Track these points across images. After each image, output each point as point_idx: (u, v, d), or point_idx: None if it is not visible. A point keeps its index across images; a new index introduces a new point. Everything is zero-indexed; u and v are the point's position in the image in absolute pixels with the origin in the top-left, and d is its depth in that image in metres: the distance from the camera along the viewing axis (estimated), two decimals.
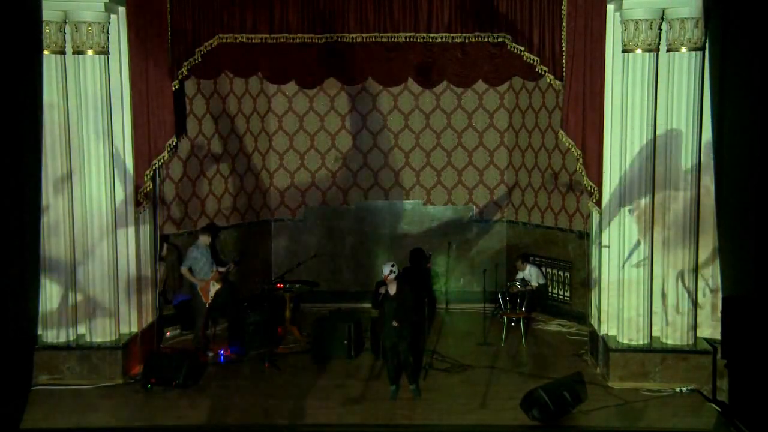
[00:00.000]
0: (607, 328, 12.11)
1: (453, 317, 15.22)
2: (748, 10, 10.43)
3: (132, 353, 12.26)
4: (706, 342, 11.83)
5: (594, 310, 12.52)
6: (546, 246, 15.42)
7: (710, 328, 11.94)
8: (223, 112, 15.33)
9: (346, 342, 12.86)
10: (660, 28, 11.50)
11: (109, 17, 11.91)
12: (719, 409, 10.99)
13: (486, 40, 12.40)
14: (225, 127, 15.38)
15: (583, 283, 13.65)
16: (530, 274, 14.83)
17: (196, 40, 12.29)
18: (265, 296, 13.97)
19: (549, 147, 15.16)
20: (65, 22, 11.74)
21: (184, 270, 13.15)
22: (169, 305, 14.08)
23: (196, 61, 12.37)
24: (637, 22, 11.41)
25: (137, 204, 12.38)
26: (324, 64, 14.27)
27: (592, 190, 12.00)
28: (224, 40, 12.40)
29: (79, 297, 12.10)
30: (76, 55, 11.81)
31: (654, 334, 11.89)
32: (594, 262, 12.50)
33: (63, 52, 11.80)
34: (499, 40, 12.32)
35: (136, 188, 12.33)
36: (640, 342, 11.77)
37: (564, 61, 11.97)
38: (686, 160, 11.53)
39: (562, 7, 11.91)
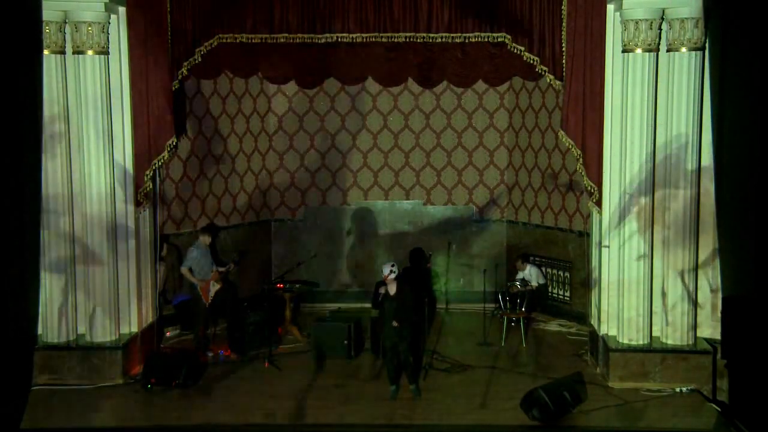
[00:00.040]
0: (607, 328, 12.11)
1: (453, 317, 15.23)
2: (748, 10, 10.43)
3: (132, 353, 12.26)
4: (706, 342, 11.83)
5: (594, 310, 12.52)
6: (546, 246, 15.42)
7: (710, 328, 11.94)
8: (223, 112, 15.33)
9: (346, 342, 12.86)
10: (660, 28, 11.50)
11: (109, 17, 11.91)
12: (719, 409, 10.99)
13: (486, 40, 12.41)
14: (225, 127, 15.38)
15: (583, 283, 13.65)
16: (530, 274, 14.83)
17: (196, 40, 12.30)
18: (265, 296, 13.97)
19: (549, 147, 15.16)
20: (65, 22, 11.74)
21: (184, 270, 13.15)
22: (169, 305, 14.08)
23: (196, 61, 12.38)
24: (637, 22, 11.41)
25: (137, 204, 12.38)
26: (324, 64, 14.27)
27: (592, 190, 12.00)
28: (224, 40, 12.41)
29: (79, 297, 12.11)
30: (76, 55, 11.81)
31: (654, 334, 11.89)
32: (594, 262, 12.50)
33: (63, 52, 11.80)
34: (499, 40, 12.32)
35: (136, 188, 12.33)
36: (640, 342, 11.77)
37: (564, 61, 11.98)
38: (686, 160, 11.52)
39: (562, 7, 11.92)
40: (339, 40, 12.50)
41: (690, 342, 11.73)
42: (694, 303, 11.77)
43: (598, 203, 12.05)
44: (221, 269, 13.30)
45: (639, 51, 11.48)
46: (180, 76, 12.34)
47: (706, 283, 11.92)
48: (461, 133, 16.36)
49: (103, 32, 11.84)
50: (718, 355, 11.50)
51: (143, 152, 12.28)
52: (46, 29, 11.55)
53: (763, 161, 10.32)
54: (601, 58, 11.76)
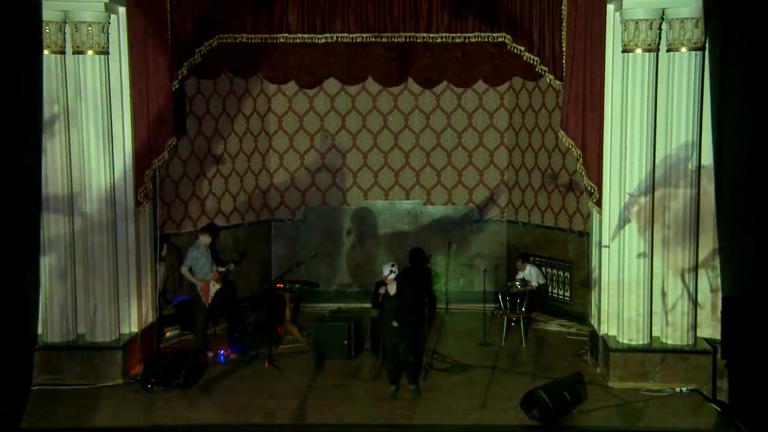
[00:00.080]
0: (607, 328, 12.10)
1: (453, 317, 15.22)
2: (748, 10, 10.42)
3: (132, 353, 12.26)
4: (706, 342, 11.83)
5: (594, 310, 12.52)
6: (546, 246, 15.42)
7: (710, 328, 11.94)
8: (223, 112, 15.33)
9: (346, 342, 12.86)
10: (660, 28, 11.50)
11: (109, 17, 11.91)
12: (719, 409, 10.99)
13: (486, 40, 12.40)
14: (225, 127, 15.38)
15: (583, 283, 13.65)
16: (530, 274, 14.83)
17: (196, 40, 12.29)
18: (265, 296, 13.97)
19: (549, 147, 15.16)
20: (65, 22, 11.74)
21: (184, 270, 13.15)
22: (169, 305, 14.08)
23: (196, 61, 12.37)
24: (637, 22, 11.41)
25: (137, 204, 12.38)
26: (324, 64, 14.27)
27: (592, 190, 12.00)
28: (224, 40, 12.40)
29: (79, 297, 12.11)
30: (76, 55, 11.81)
31: (654, 334, 11.88)
32: (594, 262, 12.50)
33: (63, 52, 11.80)
34: (499, 40, 12.32)
35: (136, 188, 12.32)
36: (640, 342, 11.77)
37: (564, 61, 11.98)
38: (686, 159, 11.52)
39: (562, 7, 11.92)
40: (339, 40, 12.50)
41: (690, 342, 11.73)
42: (694, 303, 11.77)
43: (598, 203, 12.05)
44: (221, 269, 13.30)
45: (639, 51, 11.48)
46: (180, 76, 12.34)
47: (706, 283, 11.92)
48: (461, 133, 16.37)
49: (103, 32, 11.84)
50: (718, 355, 11.50)
51: (143, 152, 12.27)
52: (46, 29, 11.55)
53: (763, 161, 10.32)
54: (601, 58, 11.76)
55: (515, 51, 12.27)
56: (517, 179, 16.07)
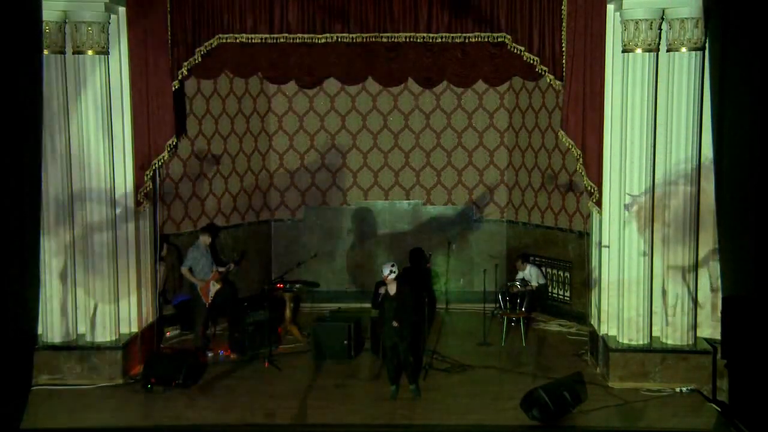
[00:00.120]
0: (607, 328, 12.10)
1: (453, 317, 15.22)
2: (748, 10, 10.43)
3: (132, 353, 12.26)
4: (706, 342, 11.83)
5: (594, 310, 12.52)
6: (546, 246, 15.42)
7: (710, 328, 11.94)
8: (223, 112, 15.33)
9: (346, 342, 12.86)
10: (660, 28, 11.50)
11: (109, 17, 11.91)
12: (719, 409, 10.99)
13: (486, 40, 12.39)
14: (225, 127, 15.38)
15: (583, 283, 13.65)
16: (530, 274, 14.82)
17: (196, 40, 12.28)
18: (265, 296, 13.97)
19: (549, 147, 15.16)
20: (65, 22, 11.74)
21: (184, 270, 13.15)
22: (169, 305, 14.08)
23: (196, 61, 12.37)
24: (637, 22, 11.41)
25: (137, 204, 12.38)
26: (324, 64, 14.27)
27: (592, 190, 12.00)
28: (224, 40, 12.40)
29: (79, 297, 12.11)
30: (76, 55, 11.81)
31: (654, 334, 11.88)
32: (594, 262, 12.50)
33: (63, 52, 11.80)
34: (499, 40, 12.31)
35: (136, 188, 12.33)
36: (640, 342, 11.77)
37: (564, 61, 11.97)
38: (686, 159, 11.52)
39: (562, 7, 11.91)
40: (339, 40, 12.49)
41: (690, 342, 11.73)
42: (695, 303, 11.77)
43: (598, 203, 12.05)
44: (221, 269, 13.30)
45: (639, 51, 11.48)
46: (180, 76, 12.33)
47: (706, 283, 11.92)
48: (461, 133, 16.37)
49: (103, 32, 11.84)
50: (718, 355, 11.50)
51: (143, 152, 12.27)
52: (46, 29, 11.54)
53: (763, 161, 10.33)
54: (601, 58, 11.76)
55: (515, 51, 12.26)
56: (517, 179, 16.07)
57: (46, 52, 11.59)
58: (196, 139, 14.87)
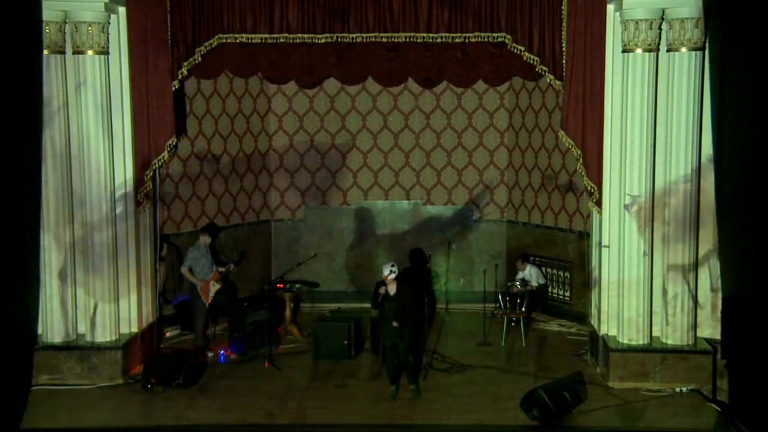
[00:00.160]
0: (607, 328, 12.10)
1: (453, 317, 15.22)
2: (748, 10, 10.43)
3: (132, 353, 12.26)
4: (706, 342, 11.83)
5: (594, 310, 12.52)
6: (546, 246, 15.42)
7: (710, 328, 11.95)
8: (223, 112, 15.33)
9: (346, 342, 12.86)
10: (660, 28, 11.50)
11: (109, 17, 11.91)
12: (719, 409, 10.99)
13: (486, 40, 12.39)
14: (225, 127, 15.38)
15: (583, 283, 13.65)
16: (530, 274, 14.82)
17: (196, 40, 12.28)
18: (265, 296, 13.98)
19: (549, 147, 15.16)
20: (65, 22, 11.74)
21: (184, 270, 13.16)
22: (169, 305, 14.08)
23: (196, 61, 12.36)
24: (637, 22, 11.41)
25: (137, 204, 12.39)
26: (324, 64, 14.27)
27: (592, 190, 12.00)
28: (224, 40, 12.40)
29: (79, 297, 12.11)
30: (76, 55, 11.81)
31: (654, 334, 11.88)
32: (594, 262, 12.50)
33: (63, 52, 11.80)
34: (499, 40, 12.31)
35: (136, 188, 12.33)
36: (640, 342, 11.76)
37: (564, 61, 11.97)
38: (686, 160, 11.52)
39: (562, 7, 11.91)
40: (339, 40, 12.49)
41: (690, 342, 11.73)
42: (695, 302, 11.77)
43: (598, 203, 12.05)
44: (221, 269, 13.30)
45: (639, 51, 11.48)
46: (180, 76, 12.33)
47: (706, 282, 11.92)
48: (461, 133, 16.37)
49: (103, 32, 11.84)
50: (718, 355, 11.50)
51: (143, 152, 12.28)
52: (46, 29, 11.55)
53: (763, 161, 10.33)
54: (601, 58, 11.76)
55: (515, 51, 12.26)
56: (517, 179, 16.07)
57: (46, 52, 11.60)
58: (196, 139, 14.87)
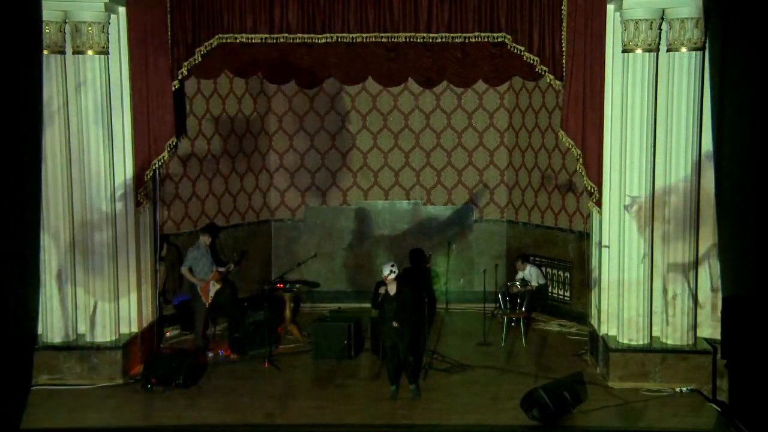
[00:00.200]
0: (607, 328, 12.11)
1: (453, 317, 15.23)
2: (748, 10, 10.44)
3: (132, 353, 12.26)
4: (706, 342, 11.83)
5: (594, 310, 12.52)
6: (546, 246, 15.42)
7: (710, 328, 11.94)
8: (223, 112, 15.33)
9: (346, 342, 12.86)
10: (660, 28, 11.50)
11: (109, 17, 11.91)
12: (719, 409, 10.99)
13: (486, 40, 12.38)
14: (225, 127, 15.38)
15: (583, 283, 13.65)
16: (530, 274, 14.83)
17: (196, 40, 12.28)
18: (265, 296, 13.98)
19: (549, 147, 15.16)
20: (65, 22, 11.74)
21: (184, 270, 13.16)
22: (169, 305, 14.08)
23: (196, 61, 12.36)
24: (637, 22, 11.41)
25: (137, 204, 12.39)
26: (324, 64, 14.27)
27: (592, 190, 12.01)
28: (224, 40, 12.40)
29: (79, 297, 12.11)
30: (76, 55, 11.81)
31: (654, 334, 11.88)
32: (594, 262, 12.50)
33: (63, 52, 11.80)
34: (499, 40, 12.31)
35: (136, 188, 12.33)
36: (640, 342, 11.76)
37: (564, 61, 11.97)
38: (686, 160, 11.52)
39: (562, 7, 11.91)
40: (339, 40, 12.49)
41: (690, 342, 11.73)
42: (695, 302, 11.77)
43: (598, 203, 12.05)
44: (221, 269, 13.30)
45: (639, 51, 11.48)
46: (180, 76, 12.33)
47: (706, 282, 11.92)
48: (461, 133, 16.37)
49: (103, 32, 11.84)
50: (718, 355, 11.50)
51: (143, 152, 12.28)
52: (46, 29, 11.55)
53: (763, 161, 10.33)
54: (601, 58, 11.76)
55: (515, 51, 12.26)
56: (517, 179, 16.07)
57: (46, 52, 11.60)
58: (196, 139, 14.87)
